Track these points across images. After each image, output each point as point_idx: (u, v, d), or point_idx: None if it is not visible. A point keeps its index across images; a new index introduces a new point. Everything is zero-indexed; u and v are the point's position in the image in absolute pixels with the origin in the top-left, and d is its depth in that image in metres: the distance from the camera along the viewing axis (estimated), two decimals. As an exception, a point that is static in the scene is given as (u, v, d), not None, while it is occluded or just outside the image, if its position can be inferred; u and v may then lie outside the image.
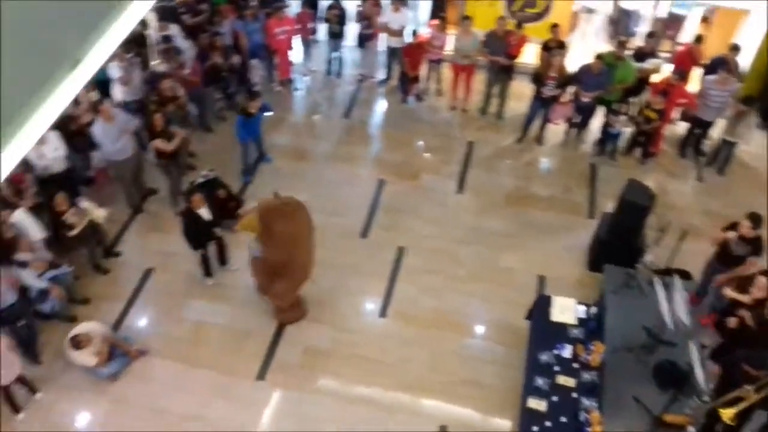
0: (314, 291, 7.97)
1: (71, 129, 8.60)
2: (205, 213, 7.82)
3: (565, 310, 7.22)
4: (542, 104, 9.92)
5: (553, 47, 9.88)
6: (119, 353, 7.37)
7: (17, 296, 7.12)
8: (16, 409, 6.98)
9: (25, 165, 8.21)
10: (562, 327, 7.07)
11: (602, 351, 6.67)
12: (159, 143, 8.57)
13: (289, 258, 7.20)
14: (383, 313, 8.03)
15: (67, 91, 3.69)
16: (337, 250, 8.39)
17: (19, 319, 7.21)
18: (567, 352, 6.85)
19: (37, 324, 7.58)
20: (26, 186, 8.06)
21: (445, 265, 8.54)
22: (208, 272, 8.26)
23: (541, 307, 7.30)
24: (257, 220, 7.01)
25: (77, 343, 6.96)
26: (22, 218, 7.58)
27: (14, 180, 7.84)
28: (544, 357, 6.82)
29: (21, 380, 6.97)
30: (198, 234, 7.88)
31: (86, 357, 7.05)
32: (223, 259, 8.42)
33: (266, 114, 9.54)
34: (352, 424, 7.01)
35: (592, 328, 7.02)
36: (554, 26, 10.03)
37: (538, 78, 9.74)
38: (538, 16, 11.30)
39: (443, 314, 8.01)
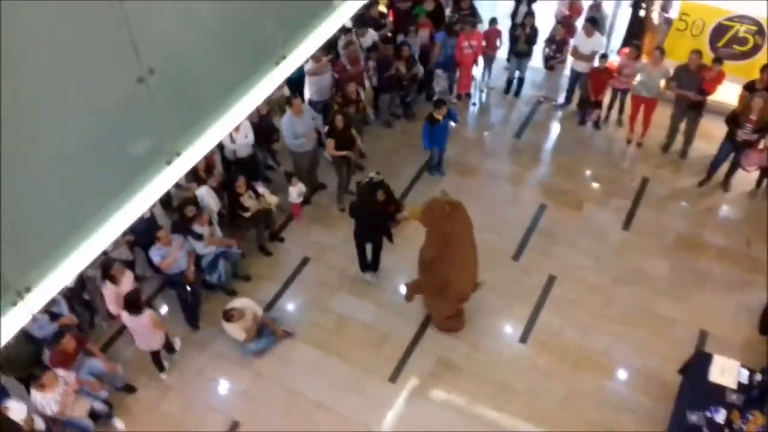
0: (457, 305, 7.99)
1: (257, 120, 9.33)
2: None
3: (726, 372, 6.64)
4: (734, 148, 9.13)
5: (759, 89, 9.02)
6: (268, 332, 7.87)
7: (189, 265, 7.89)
8: (160, 368, 7.70)
9: (218, 147, 9.07)
10: (719, 389, 6.51)
11: (761, 423, 6.07)
12: (329, 142, 9.03)
13: (440, 259, 7.25)
14: (523, 339, 7.85)
15: (269, 84, 4.05)
16: (486, 267, 8.27)
17: (188, 285, 7.97)
18: (720, 416, 6.29)
19: (202, 293, 8.32)
20: (215, 163, 8.88)
21: (597, 302, 8.16)
22: (367, 266, 8.57)
23: (699, 363, 6.76)
24: (421, 211, 7.25)
25: (229, 316, 7.55)
26: (205, 194, 8.38)
27: (208, 159, 8.65)
28: (694, 417, 6.31)
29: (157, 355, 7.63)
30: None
31: (236, 331, 7.61)
32: (375, 264, 8.66)
33: (452, 123, 9.73)
34: (474, 445, 6.94)
35: (754, 396, 6.38)
36: (766, 67, 9.11)
37: (734, 119, 8.96)
38: (745, 55, 10.38)
39: (587, 352, 7.66)
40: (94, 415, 6.94)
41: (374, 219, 8.22)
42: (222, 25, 3.51)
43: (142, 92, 3.07)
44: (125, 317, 7.10)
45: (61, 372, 6.60)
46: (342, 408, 7.31)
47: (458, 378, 7.51)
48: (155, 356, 7.55)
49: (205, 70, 3.54)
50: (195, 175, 8.52)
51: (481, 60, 11.17)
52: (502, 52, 11.28)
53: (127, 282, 7.39)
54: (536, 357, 7.67)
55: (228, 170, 9.22)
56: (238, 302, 7.82)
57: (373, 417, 7.22)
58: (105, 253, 7.21)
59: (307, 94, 10.42)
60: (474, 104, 11.46)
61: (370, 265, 8.61)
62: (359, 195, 8.36)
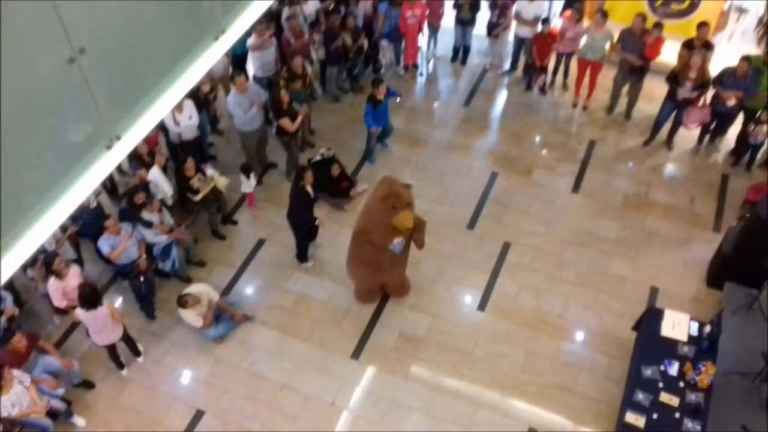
0: (414, 277, 8.01)
1: (200, 98, 9.10)
2: (311, 191, 8.05)
3: (677, 326, 6.83)
4: (676, 106, 9.33)
5: (697, 47, 9.20)
6: (226, 317, 7.75)
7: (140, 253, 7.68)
8: (119, 365, 7.49)
9: (161, 129, 8.80)
10: (671, 343, 6.70)
11: (712, 373, 6.27)
12: (284, 122, 8.87)
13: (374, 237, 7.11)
14: (482, 306, 7.94)
15: (209, 59, 3.90)
16: (441, 238, 8.36)
17: (141, 274, 7.76)
18: (674, 369, 6.49)
19: (156, 281, 8.12)
20: (158, 147, 8.64)
21: (551, 265, 8.30)
22: (305, 257, 8.48)
23: (650, 319, 6.94)
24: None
25: (184, 302, 7.38)
26: (157, 176, 8.17)
27: (149, 142, 8.41)
28: (649, 372, 6.49)
29: (127, 340, 7.42)
30: (305, 210, 8.09)
31: (192, 317, 7.47)
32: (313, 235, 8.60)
33: (397, 99, 9.69)
34: (438, 414, 7.02)
35: (705, 347, 6.59)
36: (702, 24, 9.25)
37: (674, 78, 9.14)
38: (683, 14, 10.57)
39: (543, 315, 7.80)
40: (52, 413, 6.74)
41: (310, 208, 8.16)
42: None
43: (75, 73, 2.91)
44: (80, 313, 6.84)
45: (15, 372, 6.38)
46: (306, 388, 7.29)
47: (420, 350, 7.56)
48: (113, 352, 7.33)
49: (141, 48, 3.38)
50: (140, 161, 8.28)
51: (426, 29, 11.10)
52: (448, 20, 11.18)
53: (74, 276, 7.14)
54: (495, 323, 7.77)
55: (174, 154, 8.99)
56: (192, 288, 7.67)
57: (338, 394, 7.23)
58: (44, 250, 7.11)
59: (251, 71, 10.19)
60: (421, 74, 11.41)
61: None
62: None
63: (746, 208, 8.66)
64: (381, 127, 9.45)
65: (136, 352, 7.58)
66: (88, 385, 7.37)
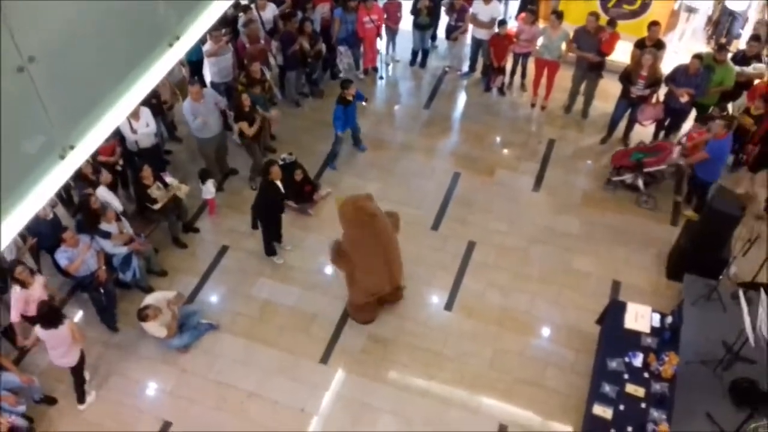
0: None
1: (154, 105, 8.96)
2: (281, 186, 8.03)
3: (640, 318, 6.97)
4: (630, 104, 9.53)
5: (649, 46, 9.43)
6: (191, 326, 7.62)
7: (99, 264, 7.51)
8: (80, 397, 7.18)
9: (118, 137, 8.63)
10: (634, 335, 6.83)
11: (676, 362, 6.40)
12: (242, 125, 8.80)
13: (355, 259, 7.20)
14: (449, 306, 7.97)
15: (164, 66, 3.84)
16: (407, 240, 8.33)
17: (101, 286, 7.59)
18: (638, 360, 6.62)
19: (117, 292, 7.94)
20: (115, 157, 8.48)
21: (515, 263, 8.38)
22: (272, 251, 8.43)
23: (614, 312, 7.07)
24: (338, 206, 7.11)
25: (144, 316, 7.24)
26: (104, 194, 7.99)
27: (103, 152, 8.25)
28: (614, 364, 6.61)
29: (76, 374, 7.04)
30: (272, 205, 8.08)
31: (155, 328, 7.33)
32: (278, 237, 8.57)
33: (363, 103, 9.72)
34: (409, 415, 7.02)
35: (667, 338, 6.74)
36: (653, 24, 9.49)
37: (627, 76, 9.34)
38: (635, 14, 10.82)
39: (509, 313, 7.87)
40: (14, 431, 6.52)
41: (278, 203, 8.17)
42: (108, 5, 3.28)
43: (24, 82, 2.83)
44: (39, 331, 6.60)
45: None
46: (275, 395, 7.21)
47: (389, 351, 7.56)
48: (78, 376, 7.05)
49: (93, 56, 3.30)
50: (85, 181, 8.07)
51: (384, 33, 11.13)
52: (406, 24, 11.21)
53: (38, 287, 6.94)
54: (462, 322, 7.81)
55: (131, 162, 8.82)
56: (150, 299, 7.51)
57: (308, 400, 7.17)
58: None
59: (207, 77, 10.07)
60: (381, 78, 11.44)
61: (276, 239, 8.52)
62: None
63: (613, 173, 9.22)
64: (350, 130, 9.49)
65: (80, 398, 7.13)
66: (50, 401, 7.17)
